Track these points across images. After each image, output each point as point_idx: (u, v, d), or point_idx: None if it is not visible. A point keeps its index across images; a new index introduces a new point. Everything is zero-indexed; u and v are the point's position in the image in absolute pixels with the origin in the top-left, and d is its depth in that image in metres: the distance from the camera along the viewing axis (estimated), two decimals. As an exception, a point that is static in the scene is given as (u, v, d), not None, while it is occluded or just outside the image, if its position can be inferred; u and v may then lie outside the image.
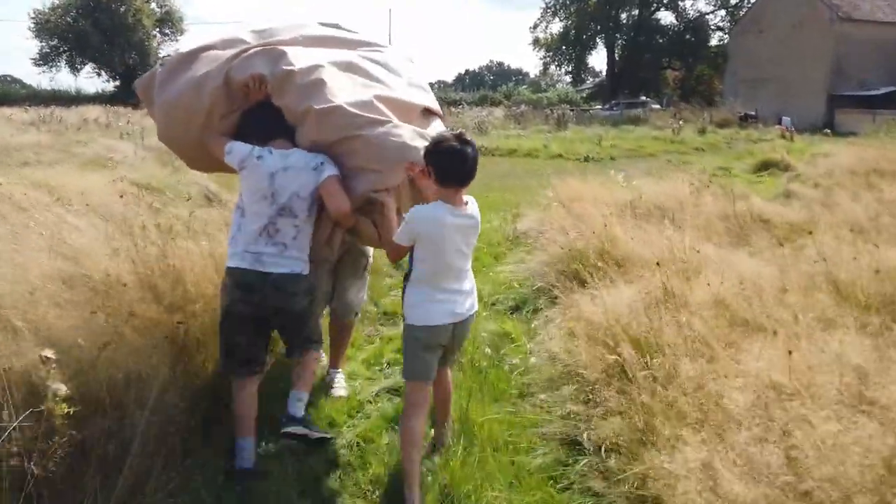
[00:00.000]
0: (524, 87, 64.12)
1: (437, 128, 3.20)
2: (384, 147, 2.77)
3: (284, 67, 2.85)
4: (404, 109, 3.03)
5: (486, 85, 75.56)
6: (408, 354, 2.70)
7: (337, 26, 3.66)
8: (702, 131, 24.68)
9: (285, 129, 2.91)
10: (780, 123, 32.96)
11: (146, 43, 49.28)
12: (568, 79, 59.94)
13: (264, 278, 2.73)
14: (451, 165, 2.50)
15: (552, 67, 56.56)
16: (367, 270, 3.67)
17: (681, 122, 25.11)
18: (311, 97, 2.79)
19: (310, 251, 2.93)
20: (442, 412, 3.05)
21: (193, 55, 3.06)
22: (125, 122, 20.51)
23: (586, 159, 17.73)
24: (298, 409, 2.80)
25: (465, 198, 2.61)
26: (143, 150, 13.48)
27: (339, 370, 3.71)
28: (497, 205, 9.89)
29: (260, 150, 2.80)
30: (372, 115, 2.83)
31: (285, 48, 2.98)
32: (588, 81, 58.65)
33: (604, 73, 59.89)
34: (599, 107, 43.24)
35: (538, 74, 71.47)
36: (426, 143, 2.68)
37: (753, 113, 34.69)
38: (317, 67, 2.90)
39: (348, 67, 3.09)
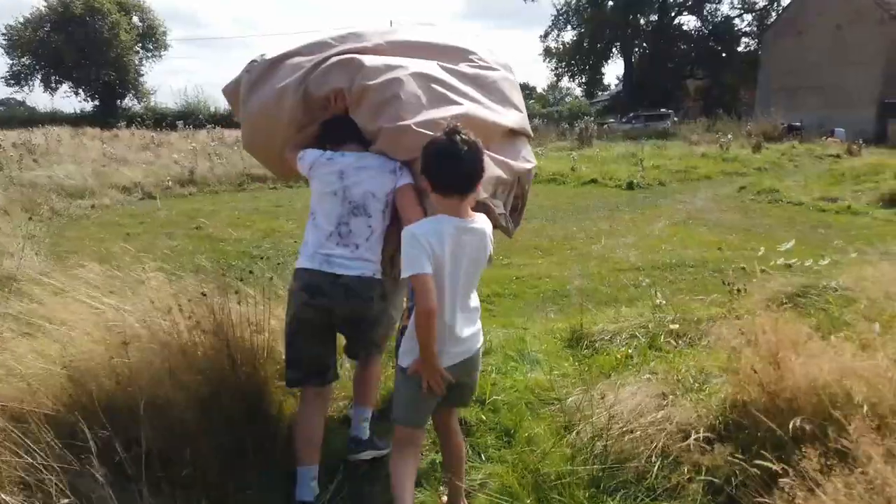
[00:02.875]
0: (531, 101, 60.26)
1: (521, 150, 3.03)
2: None
3: (361, 82, 2.69)
4: (483, 130, 2.62)
5: (492, 100, 71.55)
6: (399, 398, 2.32)
7: (432, 25, 3.42)
8: (756, 147, 20.42)
9: (359, 137, 2.72)
10: (831, 135, 29.08)
11: (125, 59, 45.64)
12: (579, 91, 55.99)
13: (334, 280, 2.49)
14: (442, 169, 2.13)
15: (565, 79, 52.56)
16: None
17: (730, 137, 20.89)
18: (384, 115, 2.64)
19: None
20: (456, 467, 2.42)
21: (278, 63, 2.92)
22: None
23: (630, 186, 13.52)
24: (364, 431, 2.67)
25: (477, 215, 2.24)
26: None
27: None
28: (522, 299, 5.57)
29: (331, 153, 2.66)
30: (425, 132, 2.51)
31: (364, 59, 2.77)
32: (600, 94, 54.54)
33: (613, 86, 56.09)
34: (612, 120, 39.31)
35: (546, 89, 67.80)
36: (501, 173, 2.73)
37: (798, 124, 30.60)
38: (393, 82, 2.68)
39: (429, 80, 2.79)
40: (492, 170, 2.67)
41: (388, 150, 2.61)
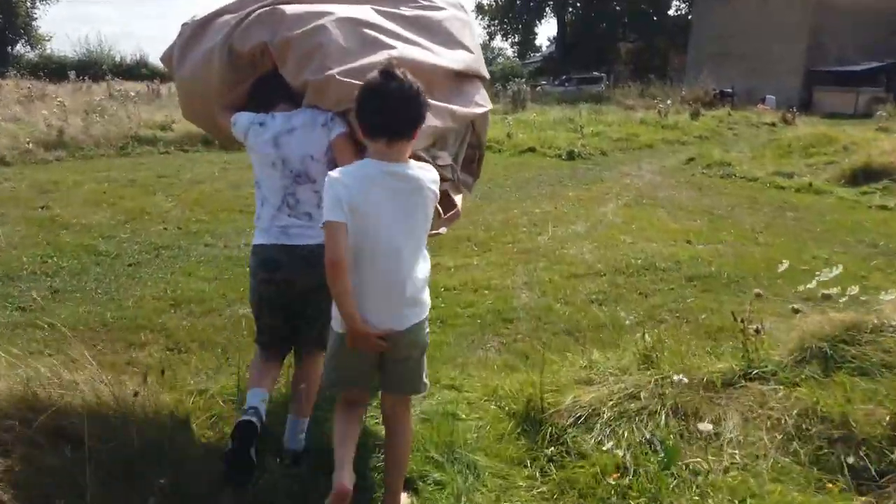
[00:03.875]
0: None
1: (471, 94, 2.76)
2: None
3: (283, 34, 2.50)
4: (422, 73, 2.30)
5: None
6: (329, 361, 2.15)
7: None
8: (695, 114, 19.67)
9: (289, 95, 2.55)
10: (762, 102, 28.97)
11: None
12: (511, 52, 54.42)
13: (292, 252, 2.37)
14: (367, 108, 1.93)
15: (497, 38, 50.93)
16: None
17: (668, 103, 20.04)
18: (309, 67, 2.46)
19: None
20: (394, 463, 2.13)
21: (207, 23, 2.76)
22: None
23: (571, 156, 12.32)
24: (300, 443, 2.46)
25: (414, 162, 2.02)
26: None
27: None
28: (453, 328, 4.15)
29: (262, 116, 2.49)
30: (353, 82, 2.32)
31: (286, 8, 2.57)
32: (532, 55, 53.18)
33: (545, 48, 54.94)
34: (545, 82, 38.43)
35: (478, 47, 65.74)
36: (438, 122, 2.48)
37: (730, 90, 30.37)
38: (316, 30, 2.49)
39: (359, 25, 2.58)
40: (426, 119, 2.38)
41: (317, 103, 2.46)
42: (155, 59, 43.26)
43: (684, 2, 46.44)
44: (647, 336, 2.99)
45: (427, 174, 2.00)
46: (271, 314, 2.49)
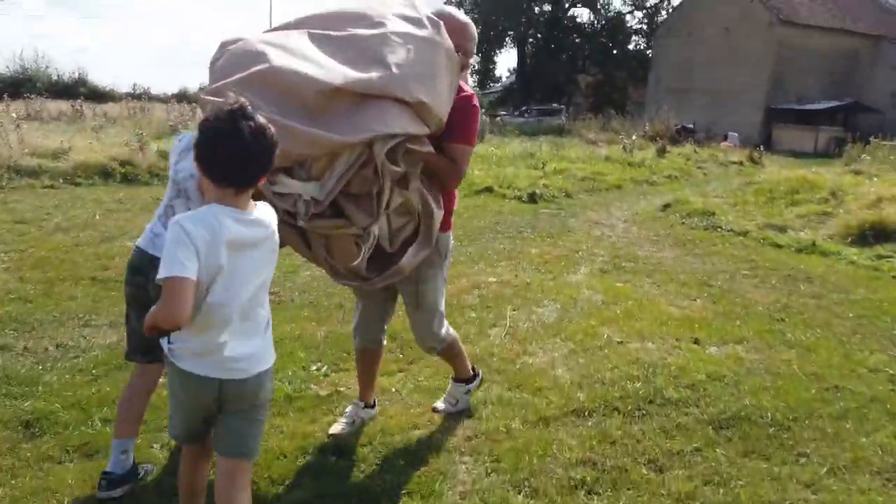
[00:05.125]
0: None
1: (372, 120, 2.34)
2: None
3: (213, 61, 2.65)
4: (286, 87, 2.33)
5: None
6: (170, 406, 2.00)
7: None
8: (661, 151, 18.55)
9: None
10: (724, 139, 28.37)
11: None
12: (471, 81, 53.51)
13: (152, 260, 2.33)
14: (216, 154, 1.71)
15: (456, 67, 49.97)
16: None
17: (634, 139, 18.89)
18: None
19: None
20: None
21: None
22: None
23: (533, 198, 10.82)
24: (121, 464, 2.40)
25: (257, 205, 1.86)
26: None
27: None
28: None
29: (182, 136, 2.61)
30: (214, 99, 2.28)
31: (226, 37, 2.76)
32: (492, 86, 52.40)
33: (504, 78, 54.36)
34: (505, 113, 37.60)
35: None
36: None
37: (692, 126, 29.70)
38: (222, 55, 2.53)
39: (263, 44, 2.48)
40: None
41: None
42: (95, 77, 40.74)
43: (643, 36, 46.43)
44: None
45: (270, 215, 1.89)
46: (135, 314, 2.46)
